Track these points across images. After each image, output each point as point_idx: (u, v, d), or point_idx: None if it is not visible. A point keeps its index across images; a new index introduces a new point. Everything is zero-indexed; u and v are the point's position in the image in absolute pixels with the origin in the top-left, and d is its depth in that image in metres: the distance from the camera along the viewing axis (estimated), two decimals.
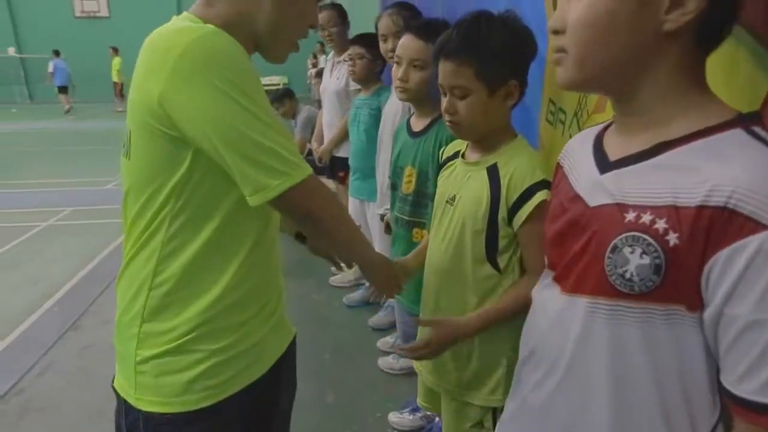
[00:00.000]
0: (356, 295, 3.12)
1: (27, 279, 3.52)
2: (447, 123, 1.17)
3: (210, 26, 0.80)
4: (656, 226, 0.57)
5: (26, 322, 2.95)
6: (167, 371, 0.89)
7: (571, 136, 1.13)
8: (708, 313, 0.56)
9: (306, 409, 2.05)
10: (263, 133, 0.78)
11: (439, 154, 1.44)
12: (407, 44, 1.60)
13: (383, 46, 2.11)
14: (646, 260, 0.57)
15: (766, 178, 0.51)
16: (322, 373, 2.43)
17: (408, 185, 1.67)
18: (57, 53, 14.09)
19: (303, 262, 3.74)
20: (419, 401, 1.50)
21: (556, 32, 0.63)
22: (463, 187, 1.20)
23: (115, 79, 14.36)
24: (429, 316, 1.31)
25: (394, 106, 2.04)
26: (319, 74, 4.75)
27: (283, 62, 0.98)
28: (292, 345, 1.13)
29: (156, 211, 0.85)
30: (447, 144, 1.55)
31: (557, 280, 0.71)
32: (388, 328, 2.73)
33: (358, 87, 2.73)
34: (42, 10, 16.18)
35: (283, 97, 4.61)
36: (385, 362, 2.44)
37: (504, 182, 1.13)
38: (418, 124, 1.71)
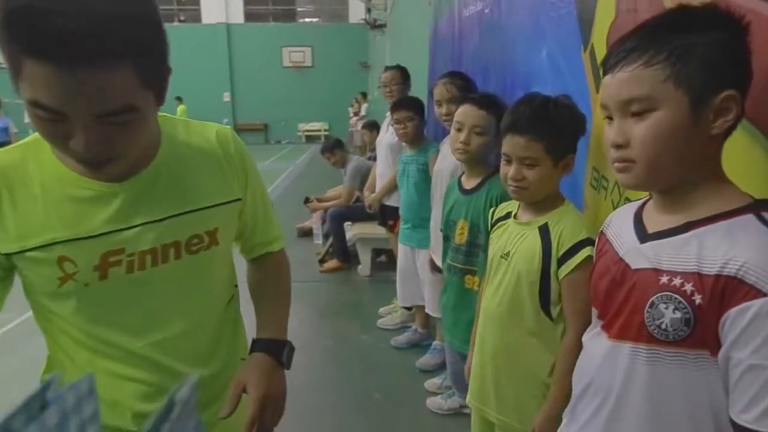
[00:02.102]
0: (403, 338, 3.25)
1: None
2: (512, 188, 1.34)
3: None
4: (685, 288, 0.72)
5: None
6: None
7: (612, 200, 1.30)
8: (720, 356, 0.70)
9: None
10: None
11: (489, 210, 1.61)
12: (468, 112, 1.81)
13: (438, 110, 2.34)
14: (678, 315, 0.72)
15: (767, 257, 0.66)
16: (371, 412, 2.56)
17: (461, 236, 1.84)
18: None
19: (350, 305, 3.93)
20: None
21: (618, 146, 0.78)
22: (517, 243, 1.37)
23: None
24: (482, 357, 1.46)
25: (448, 165, 2.25)
26: (368, 125, 5.05)
27: (104, 178, 0.83)
28: None
29: None
30: (496, 200, 1.74)
31: (605, 328, 0.86)
32: (435, 370, 2.85)
33: None
34: None
35: (334, 148, 4.91)
36: (434, 403, 2.55)
37: (554, 240, 1.29)
38: (469, 183, 1.90)
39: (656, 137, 0.74)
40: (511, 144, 1.31)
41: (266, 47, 18.25)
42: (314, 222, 5.23)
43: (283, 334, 1.07)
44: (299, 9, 19.48)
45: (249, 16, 18.60)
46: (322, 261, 4.70)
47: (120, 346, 0.90)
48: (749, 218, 0.71)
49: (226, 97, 18.45)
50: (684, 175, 0.77)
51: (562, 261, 1.28)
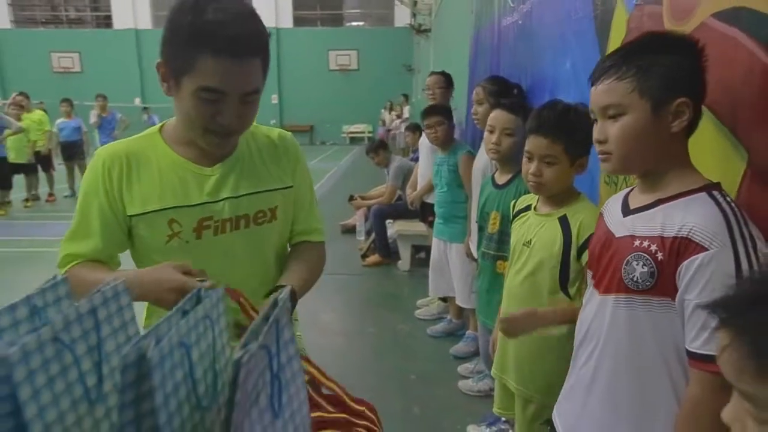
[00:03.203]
0: (439, 327, 3.46)
1: None
2: (532, 183, 1.53)
3: (105, 145, 1.15)
4: (651, 248, 0.92)
5: None
6: None
7: None
8: (677, 300, 0.89)
9: (395, 418, 2.41)
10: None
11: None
12: (499, 117, 2.02)
13: (474, 109, 2.56)
14: (645, 269, 0.93)
15: (711, 223, 0.86)
16: (408, 391, 2.78)
17: (493, 226, 2.05)
18: (146, 109, 14.74)
19: (390, 297, 4.17)
20: (495, 409, 1.83)
21: (600, 142, 1.00)
22: (538, 232, 1.56)
23: None
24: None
25: (481, 164, 2.46)
26: (411, 128, 5.28)
27: (219, 150, 1.12)
28: None
29: None
30: (524, 194, 1.94)
31: (596, 286, 1.07)
32: (468, 356, 3.05)
33: None
34: None
35: (378, 149, 5.17)
36: (465, 385, 2.75)
37: (574, 229, 1.48)
38: (501, 179, 2.11)
39: (626, 135, 0.95)
40: (534, 144, 1.51)
41: (313, 51, 18.79)
42: (357, 219, 5.50)
43: (298, 291, 1.15)
44: (346, 12, 19.93)
45: (297, 21, 19.19)
46: (364, 256, 4.96)
47: None
48: (702, 195, 0.91)
49: (274, 99, 19.09)
50: (652, 164, 0.97)
51: (582, 248, 1.46)
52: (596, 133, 1.00)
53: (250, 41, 0.99)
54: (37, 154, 7.84)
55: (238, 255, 1.16)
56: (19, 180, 7.72)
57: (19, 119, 7.28)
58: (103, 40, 18.80)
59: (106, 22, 19.48)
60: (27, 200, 7.86)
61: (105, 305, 0.60)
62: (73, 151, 8.34)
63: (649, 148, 0.95)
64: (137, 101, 18.62)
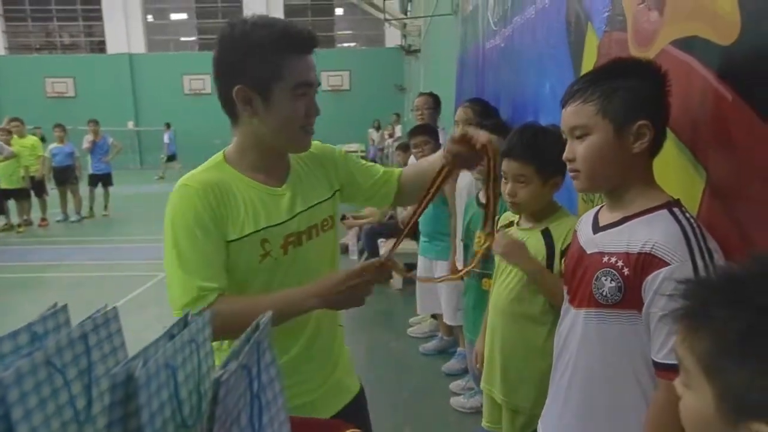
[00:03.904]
0: (431, 345, 3.49)
1: (155, 319, 4.20)
2: (509, 203, 1.60)
3: (186, 177, 1.14)
4: (618, 264, 0.97)
5: None
6: None
7: None
8: (643, 313, 0.94)
9: None
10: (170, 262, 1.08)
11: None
12: None
13: (456, 130, 2.62)
14: (613, 284, 0.97)
15: (671, 238, 0.91)
16: (400, 409, 2.80)
17: (479, 244, 2.10)
18: (168, 126, 15.43)
19: (383, 315, 4.19)
20: (483, 423, 1.85)
21: (569, 160, 1.06)
22: None
23: None
24: (492, 346, 1.69)
25: (465, 183, 2.53)
26: (402, 147, 5.35)
27: (307, 148, 1.22)
28: (354, 403, 1.33)
29: None
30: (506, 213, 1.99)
31: (570, 301, 1.12)
32: (460, 373, 3.07)
33: None
34: (158, 89, 18.68)
35: None
36: (457, 402, 2.78)
37: (557, 239, 1.54)
38: (486, 198, 2.16)
39: (591, 154, 1.01)
40: (507, 166, 1.57)
41: None
42: (350, 239, 5.54)
43: None
44: (337, 34, 20.22)
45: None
46: None
47: None
48: (663, 212, 0.97)
49: None
50: (617, 181, 1.03)
51: (565, 253, 1.51)
52: (566, 152, 1.07)
53: (314, 38, 1.14)
54: (30, 179, 7.86)
55: (313, 263, 1.23)
56: (11, 205, 7.74)
57: (8, 144, 7.31)
58: (96, 65, 18.93)
59: (100, 47, 19.66)
60: (19, 225, 7.86)
61: (96, 331, 0.64)
62: (66, 176, 8.38)
63: (613, 166, 1.01)
64: (130, 125, 18.72)
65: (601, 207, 1.13)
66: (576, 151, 1.03)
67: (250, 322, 0.72)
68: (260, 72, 1.08)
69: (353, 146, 19.25)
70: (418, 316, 3.88)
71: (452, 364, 3.17)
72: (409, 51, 12.14)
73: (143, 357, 0.57)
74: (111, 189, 9.04)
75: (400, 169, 1.45)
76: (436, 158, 1.33)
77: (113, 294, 4.78)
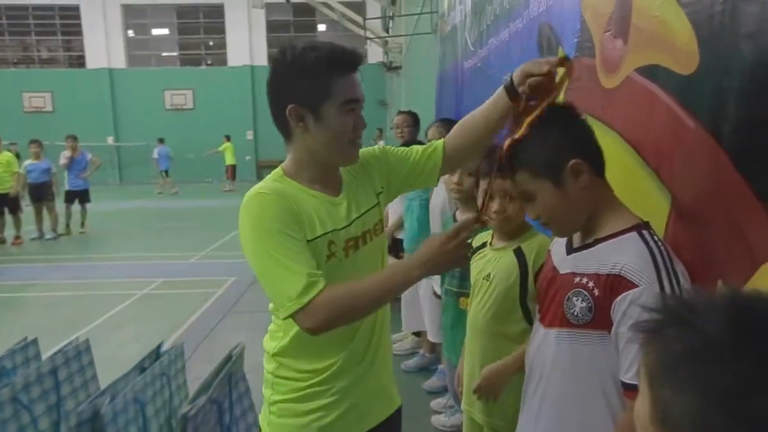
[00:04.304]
0: (412, 362, 3.48)
1: (132, 339, 4.12)
2: (496, 220, 1.60)
3: (257, 187, 1.21)
4: (589, 285, 0.99)
5: None
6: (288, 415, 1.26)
7: None
8: (612, 333, 0.96)
9: None
10: (268, 265, 1.13)
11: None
12: None
13: None
14: (584, 304, 1.00)
15: (640, 261, 0.94)
16: None
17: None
18: (161, 141, 15.35)
19: None
20: None
21: (536, 218, 1.10)
22: (496, 266, 1.64)
23: (228, 161, 15.74)
24: (471, 365, 1.70)
25: (439, 202, 2.56)
26: None
27: (356, 161, 1.29)
28: (395, 415, 1.41)
29: None
30: (483, 231, 2.02)
31: (541, 320, 1.13)
32: (441, 391, 3.06)
33: None
34: (138, 104, 18.53)
35: None
36: (438, 420, 2.77)
37: (530, 259, 1.56)
38: (462, 217, 2.19)
39: (548, 210, 1.07)
40: (496, 184, 1.59)
41: None
42: None
43: None
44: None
45: (272, 58, 19.44)
46: None
47: None
48: (633, 235, 1.00)
49: (249, 135, 19.17)
50: (586, 215, 1.07)
51: (538, 274, 1.53)
52: (528, 213, 1.12)
53: (358, 57, 1.21)
54: (5, 196, 7.71)
55: (368, 266, 1.29)
56: None
57: None
58: (76, 79, 18.74)
59: (79, 61, 19.47)
60: None
61: (66, 365, 0.64)
62: (42, 193, 8.23)
63: (573, 209, 1.05)
64: (110, 140, 18.51)
65: None
66: (535, 211, 1.09)
67: (360, 303, 1.10)
68: (311, 91, 1.17)
69: None
70: (400, 332, 3.87)
71: (433, 382, 3.16)
72: (391, 67, 12.26)
73: (111, 392, 0.57)
74: (88, 205, 8.90)
75: (442, 140, 1.45)
76: (487, 106, 1.31)
77: (90, 313, 4.69)
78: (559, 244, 1.18)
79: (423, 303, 3.12)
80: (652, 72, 1.11)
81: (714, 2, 0.91)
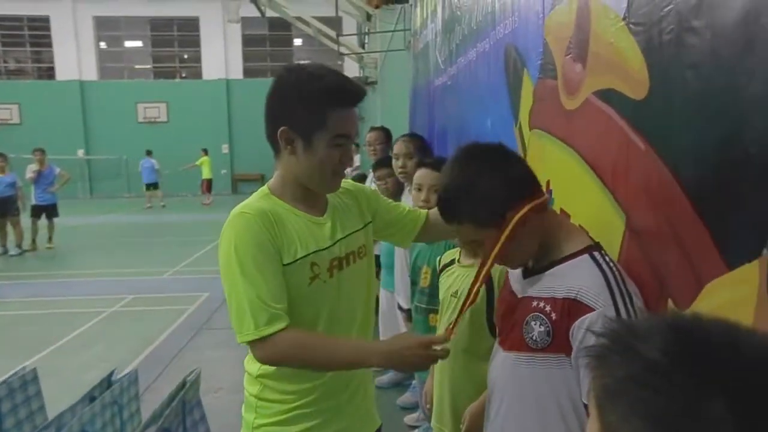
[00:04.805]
0: (386, 378, 3.47)
1: (98, 358, 4.01)
2: (466, 249, 1.63)
3: (242, 205, 1.20)
4: (546, 309, 1.01)
5: None
6: None
7: None
8: (572, 356, 0.98)
9: None
10: (238, 289, 1.12)
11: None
12: (426, 175, 2.13)
13: (395, 164, 2.68)
14: (542, 328, 1.01)
15: (594, 284, 0.96)
16: None
17: (425, 280, 2.13)
18: (149, 153, 15.09)
19: None
20: None
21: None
22: (463, 283, 1.65)
23: (205, 175, 15.60)
24: (441, 383, 1.71)
25: None
26: (358, 178, 5.39)
27: (336, 190, 1.31)
28: None
29: None
30: (451, 248, 2.04)
31: (501, 343, 1.14)
32: (414, 407, 3.06)
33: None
34: (110, 117, 18.22)
35: None
36: None
37: (495, 276, 1.58)
38: None
39: (498, 253, 1.07)
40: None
41: (263, 101, 18.83)
42: None
43: None
44: (296, 63, 20.35)
45: (248, 72, 19.40)
46: None
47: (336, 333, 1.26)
48: (585, 257, 1.02)
49: (225, 149, 19.01)
50: (537, 244, 1.09)
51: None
52: (480, 255, 1.15)
53: (361, 93, 1.23)
54: None
55: (353, 288, 1.30)
56: None
57: None
58: (44, 91, 18.34)
59: (49, 73, 19.09)
60: None
61: (11, 396, 0.62)
62: (6, 208, 8.00)
63: (522, 246, 1.07)
64: (81, 153, 18.13)
65: None
66: (486, 253, 1.10)
67: (315, 357, 1.09)
68: (306, 119, 1.17)
69: None
70: None
71: (407, 398, 3.15)
72: (367, 82, 12.34)
73: (56, 425, 0.56)
74: (56, 220, 8.68)
75: (427, 211, 1.51)
76: None
77: (56, 332, 4.56)
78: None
79: (400, 320, 3.11)
80: (607, 96, 1.15)
81: (661, 32, 0.95)
